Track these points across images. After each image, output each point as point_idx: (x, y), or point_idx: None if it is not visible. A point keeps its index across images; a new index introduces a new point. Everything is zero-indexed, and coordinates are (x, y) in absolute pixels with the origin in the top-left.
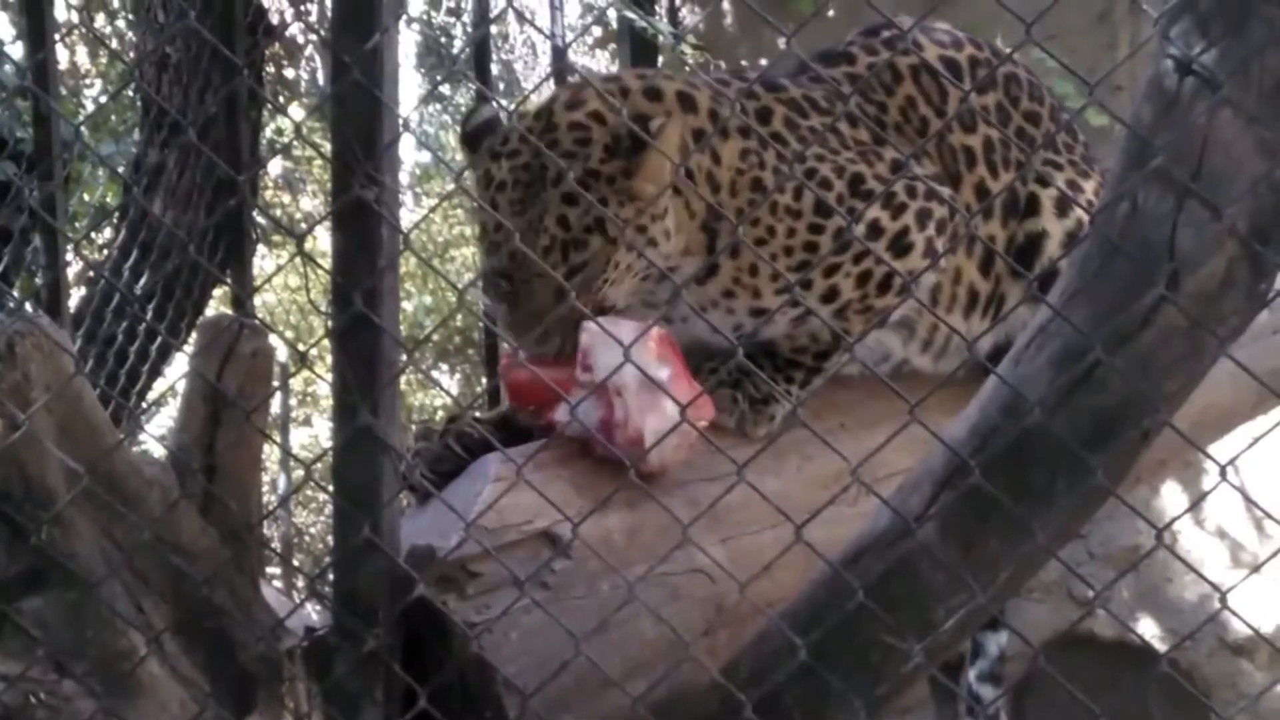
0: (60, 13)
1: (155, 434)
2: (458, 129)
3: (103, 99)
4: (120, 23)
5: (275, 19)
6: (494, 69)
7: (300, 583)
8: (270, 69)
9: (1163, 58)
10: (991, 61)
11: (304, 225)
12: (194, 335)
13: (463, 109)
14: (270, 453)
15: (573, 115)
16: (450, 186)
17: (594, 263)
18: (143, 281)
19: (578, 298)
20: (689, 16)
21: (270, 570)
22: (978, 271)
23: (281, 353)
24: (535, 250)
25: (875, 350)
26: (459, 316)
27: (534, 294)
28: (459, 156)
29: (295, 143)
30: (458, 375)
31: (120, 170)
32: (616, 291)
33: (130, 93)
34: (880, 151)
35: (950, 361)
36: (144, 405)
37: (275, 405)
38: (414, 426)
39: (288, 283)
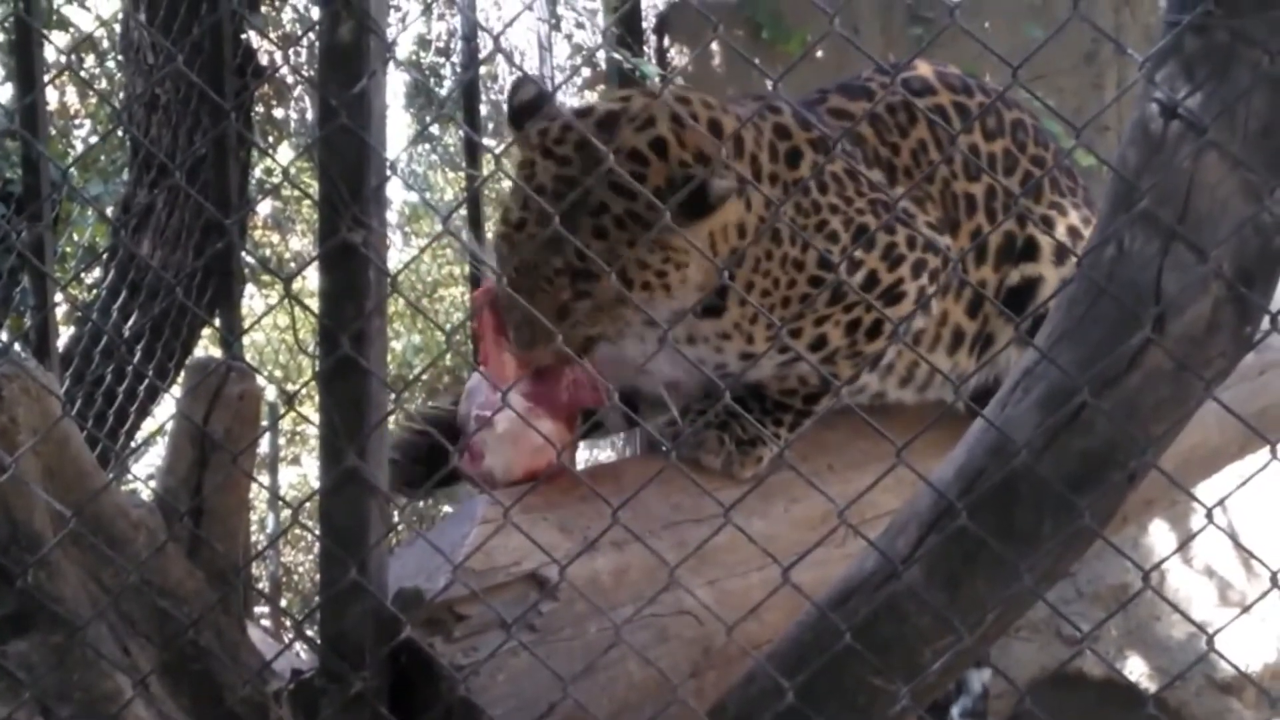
0: (50, 53)
1: (144, 475)
2: (447, 169)
3: (92, 139)
4: (110, 64)
5: (264, 60)
6: (483, 109)
7: (289, 622)
8: (259, 109)
9: (1148, 101)
10: (999, 108)
11: (293, 265)
12: (182, 376)
13: (452, 149)
14: (259, 492)
15: (638, 140)
16: (439, 227)
17: (599, 297)
18: (131, 321)
19: (575, 326)
20: (677, 58)
21: (258, 610)
22: (964, 314)
23: (270, 392)
24: (548, 267)
25: (851, 384)
26: (448, 356)
27: (534, 300)
28: (448, 196)
29: (284, 183)
30: None
31: (109, 211)
32: (613, 328)
33: (120, 132)
34: (888, 202)
35: (932, 394)
36: (132, 446)
37: (264, 445)
38: None
39: (277, 322)
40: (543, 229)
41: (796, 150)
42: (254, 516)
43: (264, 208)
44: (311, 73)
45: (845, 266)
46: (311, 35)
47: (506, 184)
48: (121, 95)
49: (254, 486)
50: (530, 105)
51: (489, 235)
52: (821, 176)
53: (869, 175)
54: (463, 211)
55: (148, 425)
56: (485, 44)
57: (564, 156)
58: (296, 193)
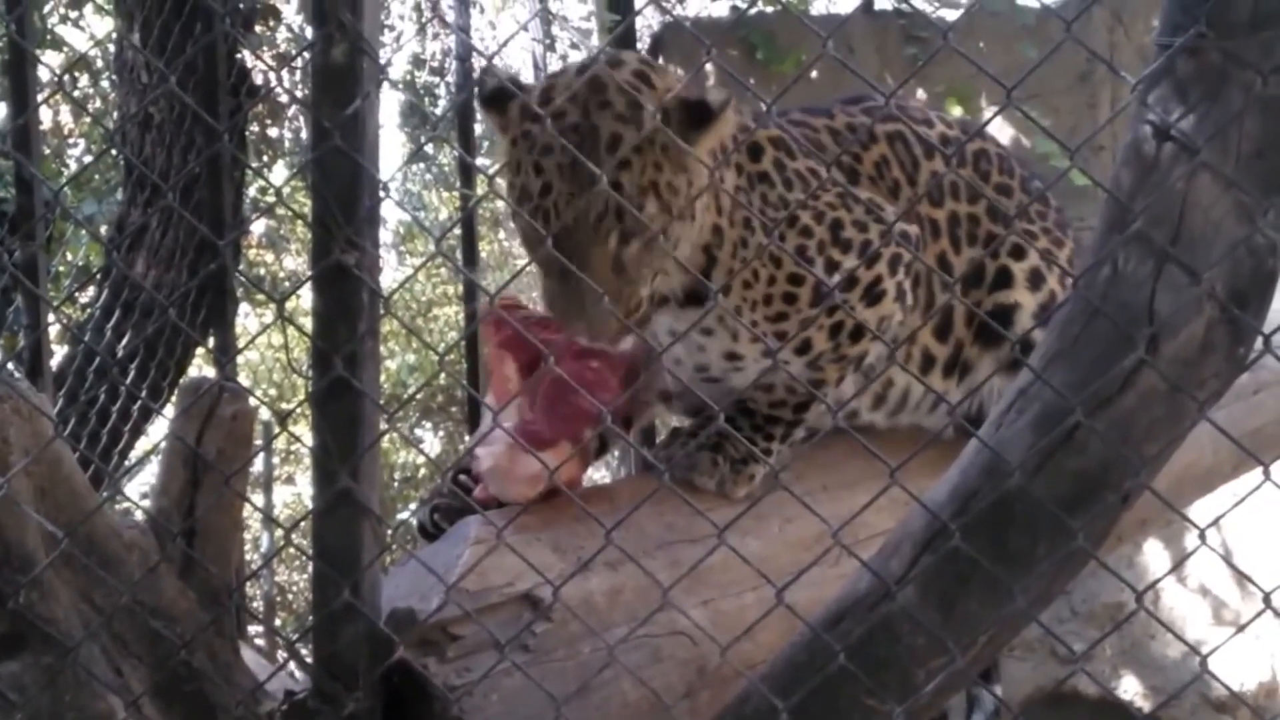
0: (43, 73)
1: (137, 495)
2: (441, 189)
3: (86, 158)
4: (104, 83)
5: (259, 80)
6: (477, 129)
7: (282, 642)
8: (254, 128)
9: (1141, 123)
10: (961, 138)
11: (287, 284)
12: (176, 396)
13: (446, 169)
14: (253, 511)
15: (620, 75)
16: (433, 246)
17: (646, 231)
18: (125, 341)
19: (630, 283)
20: None
21: (252, 630)
22: (932, 336)
23: (264, 411)
24: (590, 215)
25: (831, 398)
26: (442, 375)
27: (589, 259)
28: (442, 216)
29: (278, 203)
30: (441, 433)
31: (103, 231)
32: (663, 266)
33: (113, 152)
34: (856, 194)
35: (904, 419)
36: (126, 466)
37: (258, 463)
38: (395, 485)
39: (271, 341)
40: (568, 184)
41: (757, 145)
42: (249, 535)
43: (258, 227)
44: (306, 92)
45: (823, 268)
46: (306, 55)
47: (500, 204)
48: (115, 115)
49: (248, 506)
50: (498, 93)
51: (483, 255)
52: (785, 174)
53: (833, 174)
54: (457, 231)
55: (141, 445)
56: (480, 65)
57: (559, 111)
58: (290, 212)
